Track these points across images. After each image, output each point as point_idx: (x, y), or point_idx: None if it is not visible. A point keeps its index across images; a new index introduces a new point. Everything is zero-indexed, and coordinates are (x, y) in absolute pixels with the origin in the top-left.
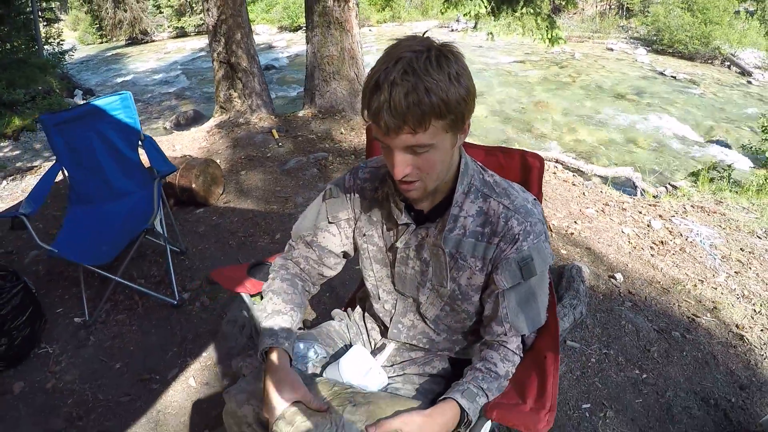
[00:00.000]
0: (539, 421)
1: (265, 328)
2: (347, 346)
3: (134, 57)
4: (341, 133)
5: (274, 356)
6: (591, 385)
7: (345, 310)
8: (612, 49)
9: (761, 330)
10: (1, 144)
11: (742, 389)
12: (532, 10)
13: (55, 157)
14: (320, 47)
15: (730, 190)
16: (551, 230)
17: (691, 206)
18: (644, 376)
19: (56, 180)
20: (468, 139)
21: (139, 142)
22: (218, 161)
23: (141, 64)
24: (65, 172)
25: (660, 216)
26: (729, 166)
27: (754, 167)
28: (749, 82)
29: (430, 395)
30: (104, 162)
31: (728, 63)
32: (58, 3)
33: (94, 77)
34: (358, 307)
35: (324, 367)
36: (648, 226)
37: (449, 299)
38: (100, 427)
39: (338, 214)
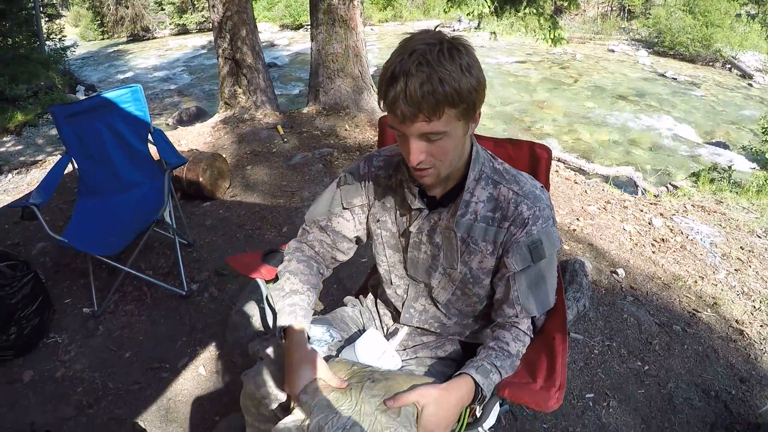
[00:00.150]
0: (549, 398)
1: (283, 306)
2: (361, 331)
3: (136, 54)
4: (345, 130)
5: (293, 334)
6: (594, 376)
7: (357, 297)
8: (613, 51)
9: (761, 325)
10: (4, 139)
11: (742, 382)
12: (535, 10)
13: (60, 151)
14: (325, 45)
15: (731, 191)
16: None
17: (692, 205)
18: (646, 367)
19: (65, 172)
20: None
21: (149, 135)
22: (224, 156)
23: (143, 61)
24: (75, 163)
25: (661, 214)
26: (729, 167)
27: (754, 168)
28: (750, 85)
29: (442, 378)
30: (114, 154)
31: (729, 66)
32: None
33: (96, 73)
34: (370, 294)
35: (339, 351)
36: (649, 223)
37: (460, 283)
38: (110, 414)
39: (353, 200)
